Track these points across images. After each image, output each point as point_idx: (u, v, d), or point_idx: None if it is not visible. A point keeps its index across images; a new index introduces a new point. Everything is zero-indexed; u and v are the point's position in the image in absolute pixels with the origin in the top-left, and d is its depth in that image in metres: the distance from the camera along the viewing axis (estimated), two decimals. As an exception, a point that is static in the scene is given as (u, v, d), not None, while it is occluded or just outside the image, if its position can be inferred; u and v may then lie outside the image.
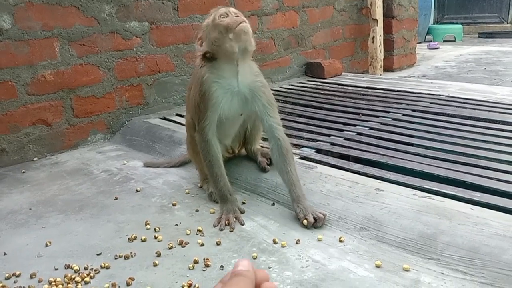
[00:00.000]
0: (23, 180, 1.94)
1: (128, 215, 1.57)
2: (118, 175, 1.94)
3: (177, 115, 2.54)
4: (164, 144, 2.19)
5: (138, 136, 2.35)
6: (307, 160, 1.80)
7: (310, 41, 3.59)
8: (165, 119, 2.48)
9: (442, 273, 1.15)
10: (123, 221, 1.52)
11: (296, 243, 1.32)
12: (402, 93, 2.82)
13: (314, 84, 3.23)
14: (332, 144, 1.96)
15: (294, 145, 1.97)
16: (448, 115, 2.30)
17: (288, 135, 2.08)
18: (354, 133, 2.09)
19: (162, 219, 1.53)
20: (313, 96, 2.87)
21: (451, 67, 4.50)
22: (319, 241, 1.33)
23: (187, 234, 1.41)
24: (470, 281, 1.11)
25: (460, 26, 7.05)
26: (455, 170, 1.59)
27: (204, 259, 1.24)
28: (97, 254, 1.32)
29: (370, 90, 2.96)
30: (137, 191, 1.76)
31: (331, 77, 3.43)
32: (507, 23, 7.69)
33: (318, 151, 1.91)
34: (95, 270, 1.24)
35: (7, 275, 1.23)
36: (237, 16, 1.43)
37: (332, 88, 3.08)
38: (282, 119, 2.33)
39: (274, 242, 1.33)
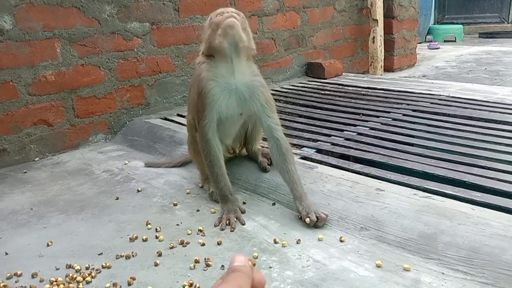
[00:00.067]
0: (25, 180, 1.95)
1: (129, 215, 1.58)
2: (119, 175, 1.95)
3: (178, 115, 2.54)
4: (165, 144, 2.20)
5: (139, 136, 2.35)
6: (308, 160, 1.80)
7: (311, 42, 3.60)
8: (166, 119, 2.49)
9: (443, 273, 1.15)
10: (124, 221, 1.53)
11: (297, 243, 1.33)
12: (402, 93, 2.83)
13: (314, 84, 3.24)
14: (333, 144, 1.96)
15: (295, 145, 1.98)
16: (448, 115, 2.31)
17: (289, 135, 2.09)
18: (355, 133, 2.09)
19: (163, 219, 1.53)
20: (313, 96, 2.87)
21: (451, 67, 4.51)
22: (320, 241, 1.33)
23: (188, 234, 1.41)
24: (471, 281, 1.11)
25: (461, 26, 7.05)
26: (455, 170, 1.59)
27: (205, 259, 1.25)
28: (99, 254, 1.33)
29: (370, 90, 2.97)
30: (138, 191, 1.76)
31: (332, 77, 3.43)
32: (508, 23, 7.69)
33: (319, 151, 1.92)
34: (96, 270, 1.24)
35: (8, 274, 1.24)
36: (234, 14, 1.43)
37: (332, 88, 3.08)
38: (282, 119, 2.36)
39: (275, 242, 1.33)
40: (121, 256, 1.31)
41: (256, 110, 1.53)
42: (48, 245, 1.39)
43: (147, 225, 1.48)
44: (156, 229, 1.45)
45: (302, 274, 1.18)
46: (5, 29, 2.04)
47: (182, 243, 1.35)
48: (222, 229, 1.43)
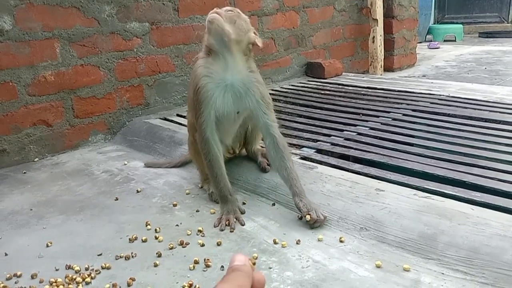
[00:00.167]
0: (24, 181, 1.95)
1: (129, 215, 1.57)
2: (118, 175, 1.94)
3: (178, 115, 2.54)
4: (164, 144, 2.20)
5: (138, 137, 2.35)
6: (308, 160, 1.80)
7: (311, 41, 3.59)
8: (165, 119, 2.49)
9: (443, 273, 1.15)
10: (124, 222, 1.53)
11: (297, 243, 1.32)
12: (402, 93, 2.83)
13: (314, 84, 3.24)
14: (333, 144, 1.96)
15: (294, 145, 1.98)
16: (448, 115, 2.30)
17: (289, 135, 2.10)
18: (355, 133, 2.09)
19: (162, 219, 1.53)
20: (313, 96, 2.87)
21: (451, 67, 4.50)
22: (320, 241, 1.33)
23: (188, 235, 1.41)
24: (471, 281, 1.11)
25: (461, 25, 7.05)
26: (455, 170, 1.59)
27: (204, 260, 1.25)
28: (98, 255, 1.33)
29: (370, 90, 2.97)
30: (137, 191, 1.76)
31: (332, 77, 3.43)
32: (508, 23, 7.69)
33: (319, 151, 1.91)
34: (96, 271, 1.24)
35: (8, 275, 1.24)
36: (226, 11, 1.44)
37: (332, 88, 3.08)
38: (282, 119, 2.36)
39: (275, 243, 1.33)
40: (121, 257, 1.30)
41: (251, 106, 1.52)
42: (47, 246, 1.39)
43: (146, 225, 1.48)
44: (155, 229, 1.45)
45: (302, 274, 1.18)
46: (4, 30, 2.04)
47: (181, 243, 1.35)
48: (222, 230, 1.43)
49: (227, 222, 1.45)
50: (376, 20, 3.99)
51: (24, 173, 2.04)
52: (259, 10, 3.13)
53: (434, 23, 7.79)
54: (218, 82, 1.49)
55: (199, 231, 1.42)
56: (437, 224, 1.26)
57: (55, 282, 1.19)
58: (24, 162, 2.17)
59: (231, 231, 1.42)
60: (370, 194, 1.44)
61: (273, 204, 1.58)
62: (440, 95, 2.72)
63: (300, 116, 2.46)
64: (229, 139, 1.70)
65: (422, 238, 1.25)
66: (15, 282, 1.22)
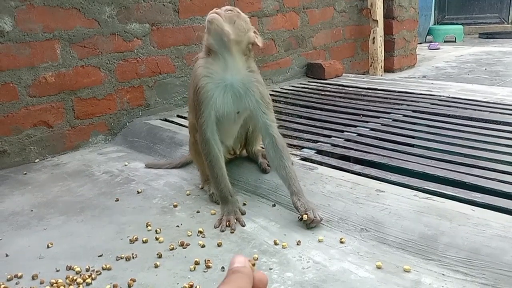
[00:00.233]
0: (25, 182, 1.95)
1: (129, 216, 1.58)
2: (119, 176, 1.95)
3: (178, 116, 2.54)
4: (165, 145, 2.20)
5: (139, 138, 2.35)
6: (308, 161, 1.80)
7: (311, 42, 3.60)
8: (166, 120, 2.49)
9: (443, 274, 1.15)
10: (124, 223, 1.53)
11: (297, 244, 1.32)
12: (402, 94, 2.83)
13: (314, 85, 3.24)
14: (333, 145, 1.96)
15: (295, 146, 1.98)
16: (448, 116, 2.31)
17: (289, 136, 2.10)
18: (355, 134, 2.09)
19: (163, 220, 1.53)
20: (313, 97, 2.87)
21: (451, 67, 4.51)
22: (320, 242, 1.33)
23: (188, 236, 1.41)
24: (471, 282, 1.11)
25: (461, 26, 7.05)
26: (455, 171, 1.59)
27: (205, 261, 1.25)
28: (99, 256, 1.33)
29: (370, 91, 2.97)
30: (138, 192, 1.76)
31: (332, 78, 3.43)
32: (508, 24, 7.69)
33: (319, 152, 1.91)
34: (96, 272, 1.24)
35: (9, 276, 1.24)
36: (226, 11, 1.43)
37: (332, 89, 3.08)
38: (283, 120, 2.36)
39: (275, 244, 1.33)
40: (121, 258, 1.30)
41: (251, 106, 1.52)
42: (48, 247, 1.39)
43: (147, 226, 1.48)
44: (156, 230, 1.45)
45: (302, 275, 1.18)
46: (5, 31, 2.05)
47: (182, 244, 1.35)
48: (222, 231, 1.43)
49: (227, 223, 1.45)
50: (376, 21, 3.99)
51: (25, 174, 2.04)
52: (259, 11, 3.14)
53: (434, 24, 7.79)
54: (218, 82, 1.49)
55: (200, 232, 1.42)
56: (437, 225, 1.26)
57: (56, 283, 1.19)
58: (24, 163, 2.18)
59: (231, 232, 1.42)
60: (371, 195, 1.44)
61: (274, 205, 1.58)
62: (440, 96, 2.72)
63: (301, 117, 2.46)
64: (229, 140, 1.70)
65: (423, 239, 1.25)
66: (16, 283, 1.22)
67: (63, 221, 1.57)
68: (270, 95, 1.61)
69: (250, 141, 1.78)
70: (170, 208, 1.61)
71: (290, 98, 2.88)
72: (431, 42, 6.48)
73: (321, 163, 1.77)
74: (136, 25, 2.49)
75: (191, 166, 1.93)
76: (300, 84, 3.31)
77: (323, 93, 2.98)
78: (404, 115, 2.35)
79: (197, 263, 1.25)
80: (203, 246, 1.34)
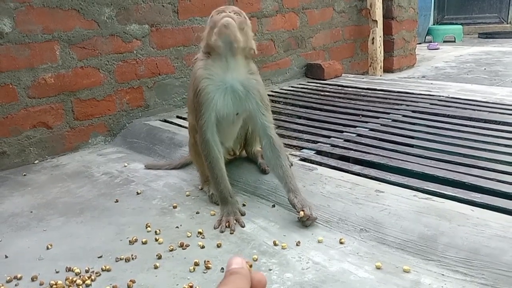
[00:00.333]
0: (24, 183, 1.95)
1: (129, 217, 1.58)
2: (118, 177, 1.95)
3: (178, 117, 2.54)
4: (164, 146, 2.20)
5: (138, 139, 2.35)
6: (307, 162, 1.80)
7: (310, 43, 3.60)
8: (165, 121, 2.49)
9: (442, 274, 1.15)
10: (124, 224, 1.53)
11: (297, 245, 1.32)
12: (402, 94, 2.83)
13: (314, 86, 3.24)
14: (332, 145, 1.96)
15: (294, 146, 1.98)
16: (448, 116, 2.31)
17: (288, 137, 2.10)
18: (354, 135, 2.09)
19: (162, 221, 1.53)
20: (313, 98, 2.87)
21: (451, 67, 4.51)
22: (320, 242, 1.33)
23: (188, 237, 1.41)
24: (470, 282, 1.11)
25: (460, 26, 7.06)
26: (455, 171, 1.59)
27: (204, 261, 1.25)
28: (98, 257, 1.33)
29: (370, 91, 2.97)
30: (137, 193, 1.76)
31: (331, 79, 3.43)
32: (507, 23, 7.70)
33: (318, 152, 1.92)
34: (96, 273, 1.24)
35: (8, 278, 1.24)
36: (235, 13, 1.43)
37: (332, 90, 3.09)
38: (282, 120, 2.36)
39: (275, 244, 1.33)
40: (121, 259, 1.30)
41: (251, 108, 1.53)
42: (48, 248, 1.39)
43: (146, 227, 1.48)
44: (155, 231, 1.45)
45: (302, 276, 1.18)
46: (4, 32, 2.05)
47: (181, 245, 1.35)
48: (222, 232, 1.43)
49: (227, 224, 1.45)
50: (376, 21, 3.99)
51: (24, 175, 2.04)
52: (259, 12, 3.14)
53: (434, 24, 7.80)
54: (219, 84, 1.50)
55: (199, 233, 1.42)
56: (437, 225, 1.26)
57: (56, 284, 1.19)
58: (24, 164, 2.18)
59: (231, 233, 1.42)
60: (370, 196, 1.44)
61: (273, 206, 1.58)
62: (440, 96, 2.72)
63: (300, 117, 2.46)
64: (229, 141, 1.70)
65: (422, 239, 1.25)
66: (16, 285, 1.22)
67: (63, 222, 1.57)
68: (270, 95, 1.62)
69: (250, 142, 1.78)
70: (170, 209, 1.61)
71: (290, 98, 2.88)
72: (431, 42, 6.48)
73: (320, 164, 1.77)
74: (136, 26, 2.49)
75: (191, 167, 1.93)
76: (300, 84, 3.31)
77: (322, 93, 2.99)
78: (404, 115, 2.35)
79: (196, 264, 1.25)
80: (202, 247, 1.34)
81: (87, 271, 1.25)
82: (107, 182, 1.90)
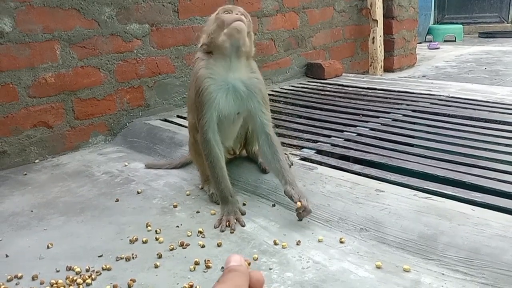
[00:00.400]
0: (25, 182, 1.95)
1: (129, 217, 1.58)
2: (119, 177, 1.95)
3: (178, 116, 2.54)
4: (165, 145, 2.20)
5: (139, 138, 2.35)
6: (308, 161, 1.80)
7: (310, 42, 3.60)
8: (165, 120, 2.49)
9: (443, 274, 1.15)
10: (124, 223, 1.53)
11: (297, 244, 1.33)
12: (402, 94, 2.83)
13: (314, 85, 3.24)
14: (333, 145, 1.96)
15: (294, 146, 1.98)
16: (448, 115, 2.31)
17: (289, 136, 2.10)
18: (355, 134, 2.09)
19: (163, 220, 1.53)
20: (313, 97, 2.87)
21: (451, 67, 4.51)
22: (320, 242, 1.33)
23: (188, 236, 1.41)
24: (471, 281, 1.11)
25: (461, 26, 7.06)
26: (455, 171, 1.59)
27: (205, 261, 1.25)
28: (99, 256, 1.33)
29: (370, 91, 2.97)
30: (138, 192, 1.76)
31: (332, 78, 3.43)
32: (508, 23, 7.69)
33: (319, 152, 1.92)
34: (96, 272, 1.24)
35: (9, 277, 1.24)
36: (241, 14, 1.43)
37: (332, 89, 3.09)
38: (282, 120, 2.36)
39: (275, 244, 1.33)
40: (121, 258, 1.31)
41: (253, 107, 1.54)
42: (48, 247, 1.39)
43: (147, 227, 1.48)
44: (156, 231, 1.45)
45: (302, 275, 1.18)
46: (5, 32, 2.05)
47: (182, 245, 1.35)
48: (222, 231, 1.43)
49: (227, 223, 1.45)
50: (376, 20, 3.99)
51: (25, 174, 2.04)
52: (259, 11, 3.14)
53: (434, 24, 7.79)
54: (221, 84, 1.50)
55: (200, 232, 1.42)
56: (437, 225, 1.26)
57: (56, 283, 1.19)
58: (24, 163, 2.18)
59: (231, 232, 1.42)
60: (370, 195, 1.44)
61: (273, 205, 1.58)
62: (440, 95, 2.72)
63: (300, 117, 2.46)
64: (229, 140, 1.70)
65: (422, 238, 1.25)
66: (16, 284, 1.22)
67: (63, 221, 1.57)
68: (270, 95, 1.63)
69: (250, 141, 1.78)
70: (170, 209, 1.62)
71: (290, 98, 2.88)
72: (431, 41, 6.48)
73: (320, 163, 1.77)
74: (136, 26, 2.49)
75: (191, 166, 1.93)
76: (300, 84, 3.31)
77: (322, 93, 2.99)
78: (404, 115, 2.35)
79: (197, 263, 1.25)
80: (203, 246, 1.34)
81: (87, 270, 1.25)
82: (108, 182, 1.90)
